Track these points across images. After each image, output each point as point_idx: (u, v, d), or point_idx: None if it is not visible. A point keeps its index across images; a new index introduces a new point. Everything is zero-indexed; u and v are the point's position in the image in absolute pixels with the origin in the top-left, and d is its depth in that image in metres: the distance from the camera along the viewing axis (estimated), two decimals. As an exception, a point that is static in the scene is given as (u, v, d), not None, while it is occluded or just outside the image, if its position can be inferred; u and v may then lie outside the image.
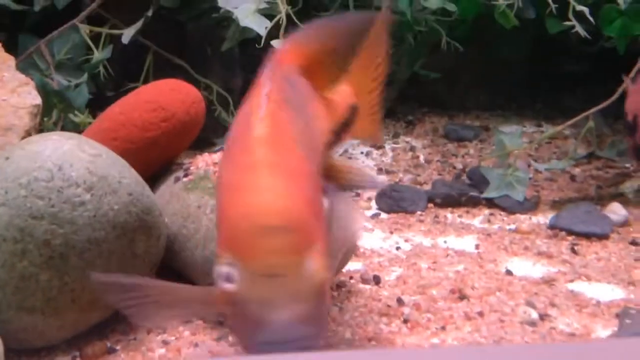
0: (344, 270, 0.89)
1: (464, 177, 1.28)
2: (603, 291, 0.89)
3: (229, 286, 0.54)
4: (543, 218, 1.13)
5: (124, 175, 0.78)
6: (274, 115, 0.61)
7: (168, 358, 0.75)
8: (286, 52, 0.69)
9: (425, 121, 1.64)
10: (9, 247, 0.71)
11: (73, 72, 1.28)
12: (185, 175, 0.90)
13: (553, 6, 1.29)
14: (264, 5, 1.19)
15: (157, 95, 0.93)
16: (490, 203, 1.18)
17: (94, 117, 1.13)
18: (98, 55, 1.26)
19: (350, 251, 0.82)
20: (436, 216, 1.15)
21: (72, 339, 0.77)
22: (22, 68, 1.13)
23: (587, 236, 1.04)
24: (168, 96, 0.94)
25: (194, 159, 0.93)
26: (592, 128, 1.21)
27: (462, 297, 0.87)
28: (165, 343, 0.78)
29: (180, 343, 0.78)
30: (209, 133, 1.26)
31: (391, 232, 1.08)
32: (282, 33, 1.19)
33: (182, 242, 0.84)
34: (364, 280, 0.91)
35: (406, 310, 0.83)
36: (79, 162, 0.75)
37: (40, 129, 0.97)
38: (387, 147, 1.48)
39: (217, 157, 0.91)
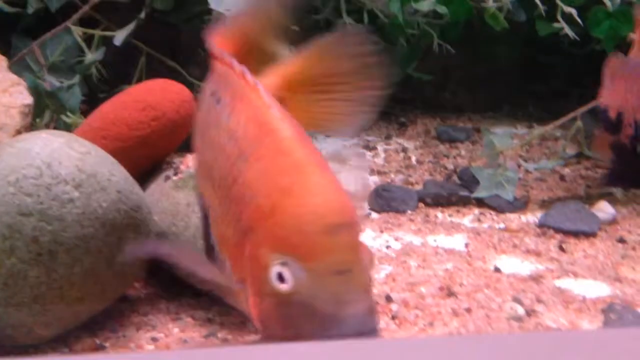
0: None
1: (455, 178, 1.29)
2: (590, 288, 0.90)
3: (283, 286, 0.55)
4: (532, 217, 1.13)
5: (113, 173, 0.79)
6: (284, 110, 0.62)
7: (157, 355, 0.75)
8: (219, 39, 0.70)
9: (418, 123, 1.65)
10: (-2, 244, 0.72)
11: (66, 73, 1.28)
12: (175, 174, 0.90)
13: (542, 8, 1.30)
14: (255, 7, 1.20)
15: (147, 95, 0.94)
16: (481, 203, 1.19)
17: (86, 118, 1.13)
18: (90, 56, 1.27)
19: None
20: (426, 215, 1.16)
21: (61, 336, 0.77)
22: (15, 70, 1.14)
23: (575, 234, 1.05)
24: (158, 95, 0.94)
25: (184, 158, 0.93)
26: (581, 128, 1.22)
27: (450, 294, 0.87)
28: (154, 340, 0.79)
29: (169, 340, 0.79)
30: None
31: (381, 231, 1.09)
32: (273, 34, 1.20)
33: (171, 240, 0.85)
34: (353, 278, 0.91)
35: (394, 307, 0.84)
36: (68, 159, 0.76)
37: (32, 129, 0.98)
38: (380, 148, 1.49)
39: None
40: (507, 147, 1.27)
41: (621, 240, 1.04)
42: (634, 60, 1.07)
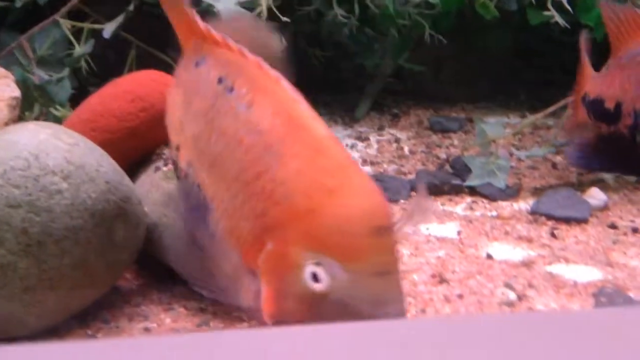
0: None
1: (447, 167, 1.29)
2: (581, 273, 0.90)
3: (317, 286, 0.55)
4: (524, 204, 1.14)
5: (102, 164, 0.78)
6: (308, 104, 0.62)
7: (149, 345, 0.75)
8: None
9: (411, 114, 1.65)
10: (-14, 236, 0.72)
11: (55, 67, 1.28)
12: (165, 165, 0.90)
13: (533, -3, 1.30)
14: (245, -2, 1.20)
15: (135, 86, 0.94)
16: (473, 191, 1.19)
17: (76, 111, 1.13)
18: (79, 49, 1.26)
19: None
20: (419, 205, 1.16)
21: (53, 327, 0.77)
22: (3, 64, 1.13)
23: (567, 221, 1.05)
24: (147, 87, 0.94)
25: (174, 149, 0.93)
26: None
27: (443, 280, 0.88)
28: (146, 330, 0.79)
29: (161, 330, 0.79)
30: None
31: (374, 221, 1.09)
32: (263, 25, 1.19)
33: (161, 231, 0.85)
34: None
35: (386, 294, 0.84)
36: (56, 150, 0.75)
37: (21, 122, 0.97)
38: (372, 139, 1.49)
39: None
40: (499, 135, 1.27)
41: (612, 226, 1.04)
42: (631, 50, 1.07)
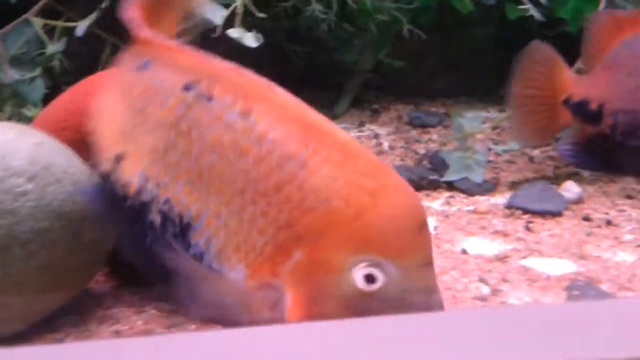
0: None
1: (426, 162, 1.29)
2: (555, 266, 0.90)
3: (373, 286, 0.57)
4: (501, 198, 1.14)
5: (70, 165, 0.77)
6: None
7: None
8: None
9: (391, 109, 1.65)
10: (-50, 240, 0.70)
11: (28, 66, 1.26)
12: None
13: (510, -9, 1.30)
14: (219, -6, 1.19)
15: (105, 84, 0.92)
16: (451, 186, 1.19)
17: (49, 111, 1.11)
18: (52, 48, 1.24)
19: None
20: (397, 200, 1.16)
21: (20, 332, 0.76)
22: (-25, 64, 1.11)
23: (542, 214, 1.06)
24: (117, 85, 0.92)
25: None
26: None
27: (417, 276, 0.88)
28: (117, 333, 0.78)
29: (132, 332, 0.78)
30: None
31: (351, 217, 1.09)
32: (238, 22, 1.18)
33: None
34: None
35: (361, 291, 0.84)
36: (21, 151, 0.74)
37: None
38: (352, 135, 1.49)
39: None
40: (476, 130, 1.27)
41: (586, 219, 1.05)
42: (614, 50, 1.08)
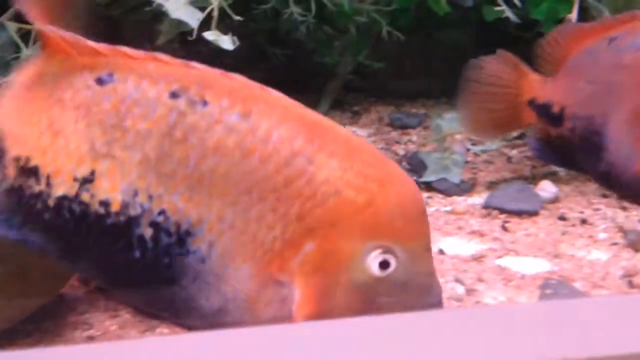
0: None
1: (405, 163, 1.30)
2: (529, 265, 0.91)
3: (386, 272, 0.60)
4: (478, 198, 1.15)
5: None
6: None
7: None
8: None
9: (371, 111, 1.66)
10: None
11: (2, 70, 1.24)
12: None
13: (487, -8, 1.31)
14: (195, -3, 1.18)
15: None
16: (429, 187, 1.20)
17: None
18: (27, 52, 1.23)
19: None
20: (375, 202, 1.16)
21: (-8, 339, 0.75)
22: (-52, 69, 1.09)
23: (519, 214, 1.07)
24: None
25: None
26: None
27: (394, 277, 0.88)
28: (90, 339, 0.77)
29: (107, 338, 0.77)
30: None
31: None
32: (214, 25, 1.18)
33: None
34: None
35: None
36: None
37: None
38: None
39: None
40: (455, 131, 1.28)
41: (562, 218, 1.06)
42: (576, 56, 1.10)
